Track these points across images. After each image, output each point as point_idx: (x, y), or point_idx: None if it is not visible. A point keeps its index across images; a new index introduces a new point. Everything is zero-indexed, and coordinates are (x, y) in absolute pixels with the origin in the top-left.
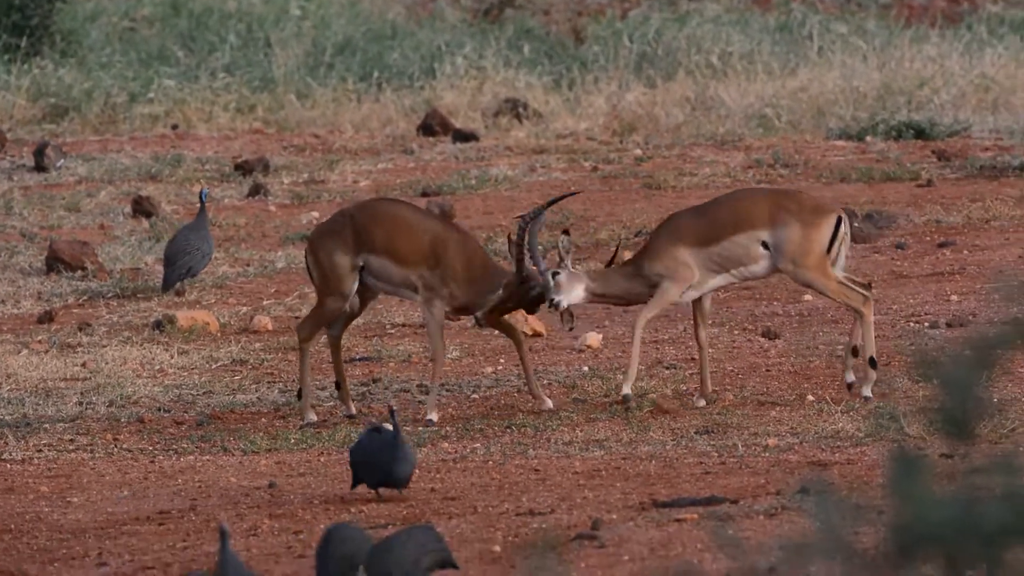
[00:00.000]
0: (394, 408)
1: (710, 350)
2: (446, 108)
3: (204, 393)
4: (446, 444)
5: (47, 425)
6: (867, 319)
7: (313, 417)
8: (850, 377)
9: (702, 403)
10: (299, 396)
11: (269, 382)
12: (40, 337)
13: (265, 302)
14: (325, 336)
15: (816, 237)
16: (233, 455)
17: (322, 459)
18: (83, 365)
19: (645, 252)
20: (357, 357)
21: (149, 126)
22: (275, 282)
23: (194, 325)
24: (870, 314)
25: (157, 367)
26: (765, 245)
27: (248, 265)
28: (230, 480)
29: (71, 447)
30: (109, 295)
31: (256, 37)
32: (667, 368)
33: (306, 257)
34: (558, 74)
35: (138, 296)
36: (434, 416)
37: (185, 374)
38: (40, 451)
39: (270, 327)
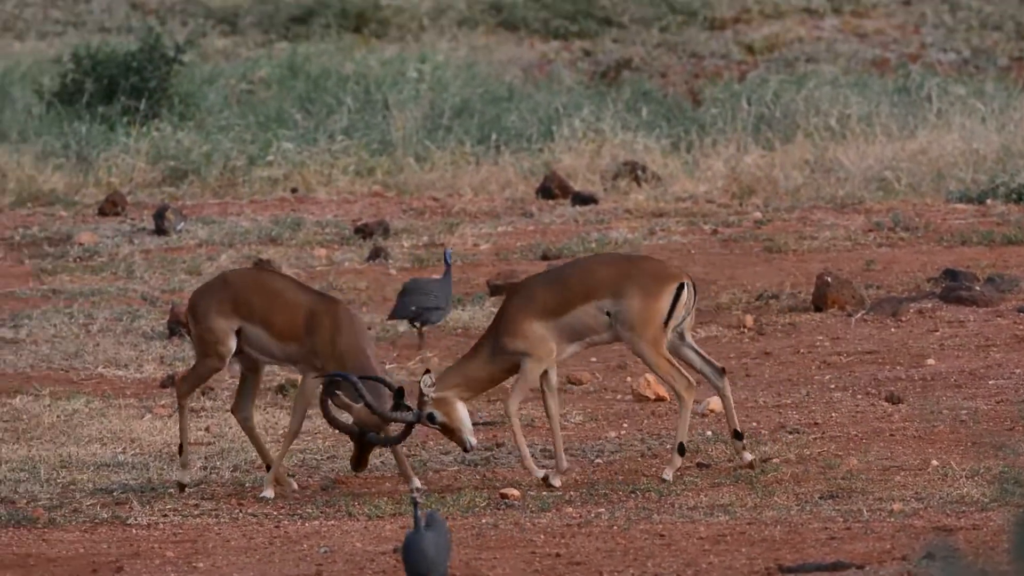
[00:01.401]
0: (416, 499)
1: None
2: (564, 171)
3: (328, 457)
4: (570, 509)
5: (172, 490)
6: (686, 405)
7: (187, 479)
8: (747, 457)
9: (557, 482)
10: (180, 451)
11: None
12: (163, 401)
13: (388, 366)
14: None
15: (655, 307)
16: (358, 520)
17: (448, 523)
18: (207, 430)
19: (500, 328)
20: (480, 421)
21: (268, 189)
22: (397, 347)
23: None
24: (690, 401)
25: (280, 431)
26: (608, 314)
27: (369, 329)
28: (355, 545)
29: (196, 512)
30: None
31: (374, 100)
32: (790, 433)
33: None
34: (676, 136)
35: None
36: (270, 493)
37: (308, 438)
38: (165, 516)
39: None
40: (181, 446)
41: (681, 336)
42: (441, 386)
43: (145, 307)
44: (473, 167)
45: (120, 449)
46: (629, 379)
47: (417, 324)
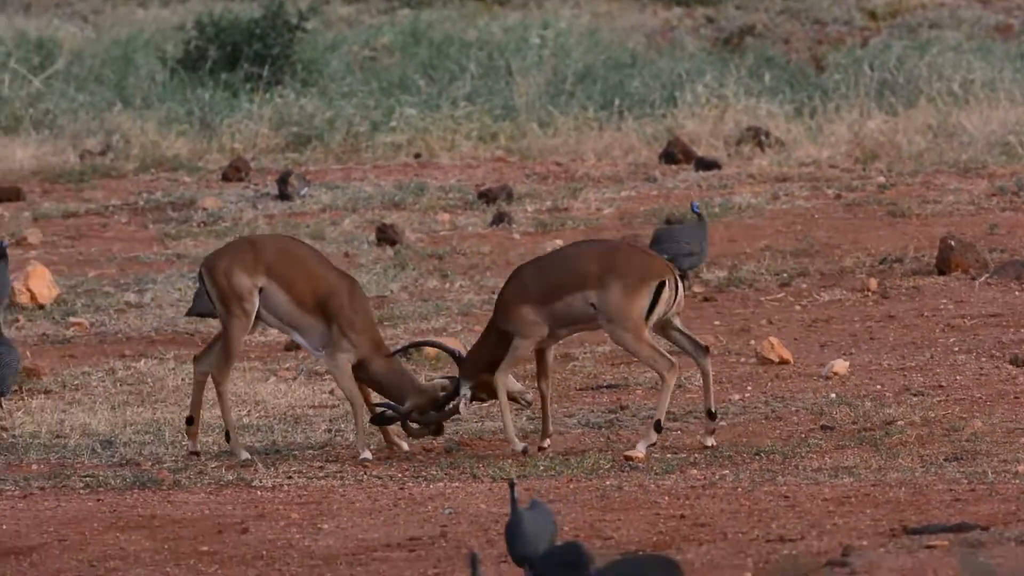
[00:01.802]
0: (514, 481)
1: None
2: (688, 136)
3: (452, 420)
4: (695, 471)
5: (296, 452)
6: (668, 385)
7: (246, 455)
8: (709, 441)
9: (651, 436)
10: (226, 438)
11: (517, 409)
12: (288, 365)
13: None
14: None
15: (635, 303)
16: (482, 482)
17: (571, 486)
18: (331, 392)
19: (497, 311)
20: (604, 384)
21: (392, 155)
22: None
23: (440, 353)
24: (672, 381)
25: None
26: (592, 305)
27: (493, 293)
28: (480, 507)
29: (321, 474)
30: None
31: (497, 65)
32: (914, 395)
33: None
34: (799, 102)
35: (384, 324)
36: (368, 455)
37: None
38: (290, 478)
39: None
40: (227, 433)
41: (668, 322)
42: (468, 379)
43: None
44: (596, 132)
45: (245, 412)
46: (753, 342)
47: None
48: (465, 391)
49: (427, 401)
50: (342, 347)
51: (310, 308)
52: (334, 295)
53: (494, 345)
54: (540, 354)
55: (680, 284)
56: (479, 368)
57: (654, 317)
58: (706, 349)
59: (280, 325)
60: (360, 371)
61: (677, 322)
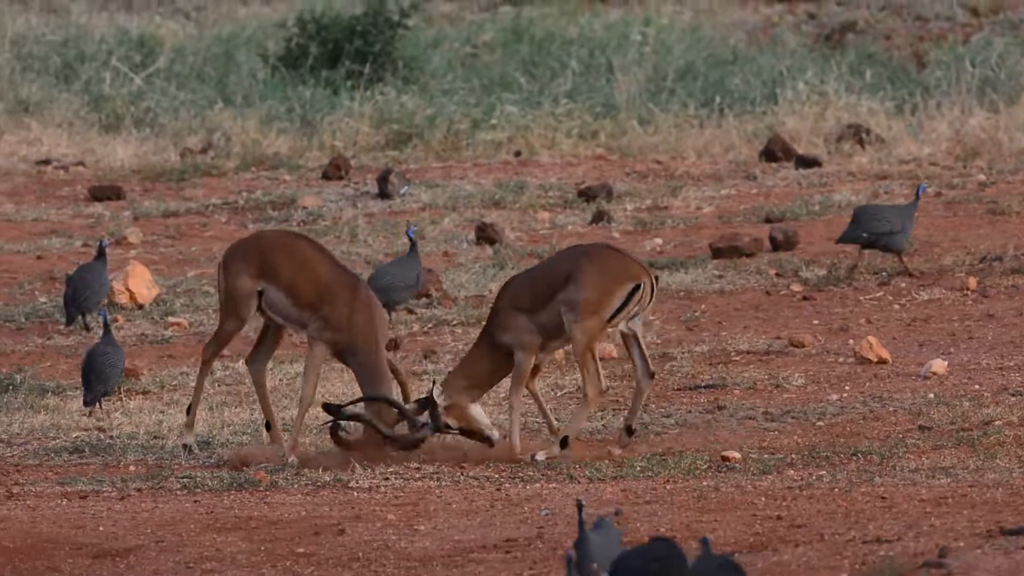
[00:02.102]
0: (582, 503)
1: None
2: (788, 133)
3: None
4: (792, 471)
5: (393, 453)
6: (588, 406)
7: (192, 440)
8: (616, 451)
9: (553, 450)
10: (188, 410)
11: (615, 409)
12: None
13: (610, 329)
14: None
15: (605, 301)
16: (579, 482)
17: (668, 486)
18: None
19: (492, 321)
20: (702, 384)
21: (492, 152)
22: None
23: None
24: (594, 405)
25: (502, 395)
26: (565, 304)
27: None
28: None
29: (417, 475)
30: (454, 322)
31: (598, 63)
32: (1013, 395)
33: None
34: (900, 99)
35: (482, 323)
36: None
37: (530, 402)
38: (387, 479)
39: (615, 354)
40: (190, 407)
41: (633, 333)
42: (449, 393)
43: (368, 270)
44: (696, 130)
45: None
46: (851, 342)
47: (868, 249)
48: (441, 409)
49: (388, 417)
50: (324, 339)
51: (307, 306)
52: (330, 294)
53: (484, 359)
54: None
55: (655, 289)
56: (464, 385)
57: (621, 316)
58: (652, 375)
59: (282, 322)
60: (350, 364)
61: (640, 336)
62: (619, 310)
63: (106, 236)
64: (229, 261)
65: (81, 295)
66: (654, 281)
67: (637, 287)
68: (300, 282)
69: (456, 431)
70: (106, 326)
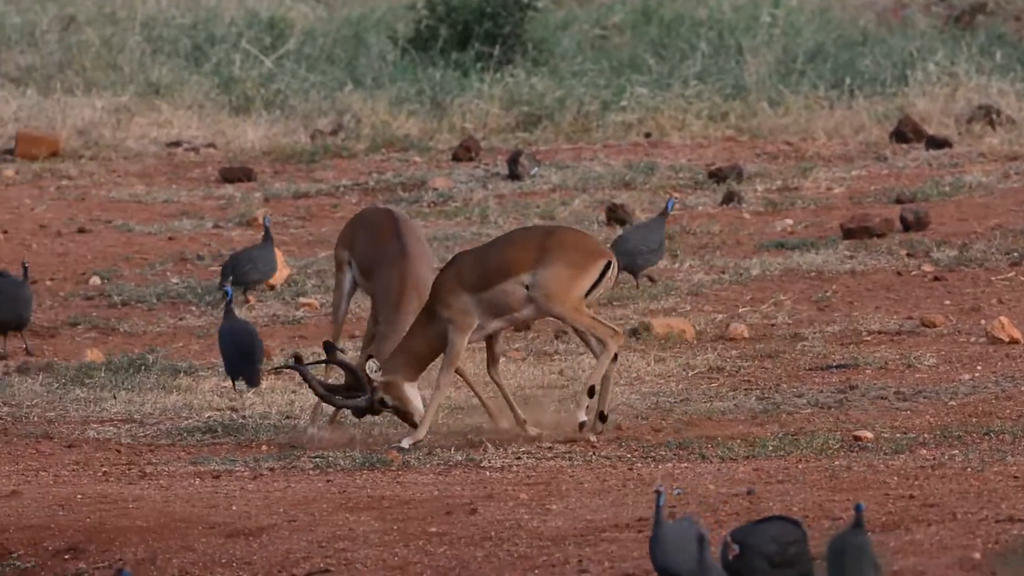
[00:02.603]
0: (660, 489)
1: None
2: (918, 115)
3: (681, 400)
4: (924, 451)
5: (525, 432)
6: (609, 351)
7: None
8: (581, 416)
9: (534, 431)
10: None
11: (746, 389)
12: (517, 345)
13: (740, 309)
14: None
15: (580, 279)
16: (711, 462)
17: (800, 466)
18: (560, 373)
19: (432, 295)
20: (834, 364)
21: (622, 134)
22: (750, 289)
23: (670, 333)
24: (615, 347)
25: (634, 375)
26: (527, 287)
27: (723, 272)
28: (708, 487)
29: (550, 455)
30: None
31: (727, 44)
32: None
33: None
34: None
35: (614, 304)
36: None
37: (662, 382)
38: (519, 458)
39: (746, 334)
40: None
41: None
42: (387, 369)
43: None
44: (826, 111)
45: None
46: (983, 322)
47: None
48: (377, 383)
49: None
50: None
51: (366, 276)
52: (382, 264)
53: (422, 337)
54: (488, 342)
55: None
56: (402, 361)
57: (594, 295)
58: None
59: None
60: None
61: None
62: (592, 287)
63: (269, 213)
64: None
65: (242, 268)
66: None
67: (608, 265)
68: (365, 254)
69: (390, 409)
70: (229, 305)
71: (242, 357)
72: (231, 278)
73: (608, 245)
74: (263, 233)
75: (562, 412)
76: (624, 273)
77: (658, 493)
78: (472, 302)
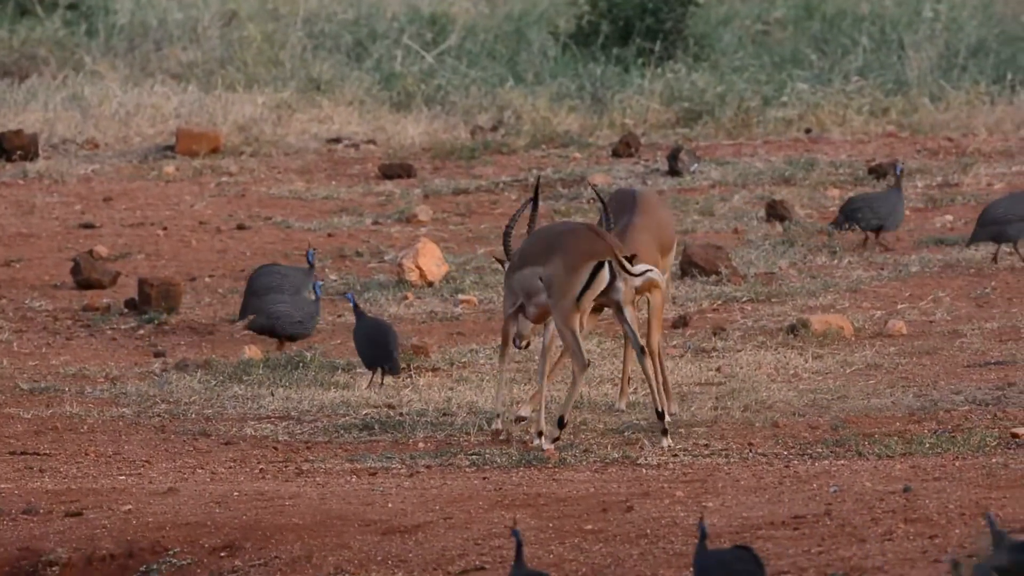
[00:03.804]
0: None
1: None
2: None
3: (838, 397)
4: None
5: (682, 429)
6: (578, 383)
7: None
8: (664, 443)
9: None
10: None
11: (904, 386)
12: (675, 342)
13: (899, 306)
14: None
15: (571, 280)
16: (868, 459)
17: (957, 463)
18: (718, 370)
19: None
20: (992, 361)
21: (782, 129)
22: (909, 285)
23: (828, 329)
24: (581, 379)
25: (791, 371)
26: (541, 279)
27: (882, 269)
28: (865, 484)
29: (706, 452)
30: (743, 299)
31: (889, 39)
32: None
33: None
34: None
35: (772, 300)
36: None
37: (819, 378)
38: (675, 455)
39: (904, 331)
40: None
41: (618, 307)
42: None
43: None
44: (988, 106)
45: (631, 389)
46: None
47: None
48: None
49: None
50: None
51: None
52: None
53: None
54: (544, 327)
55: (627, 268)
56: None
57: (588, 297)
58: (642, 349)
59: None
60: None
61: (627, 312)
62: (585, 289)
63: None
64: None
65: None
66: (621, 260)
67: (600, 265)
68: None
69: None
70: (356, 308)
71: (377, 348)
72: (347, 294)
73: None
74: (307, 264)
75: (719, 410)
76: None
77: (701, 524)
78: (511, 280)
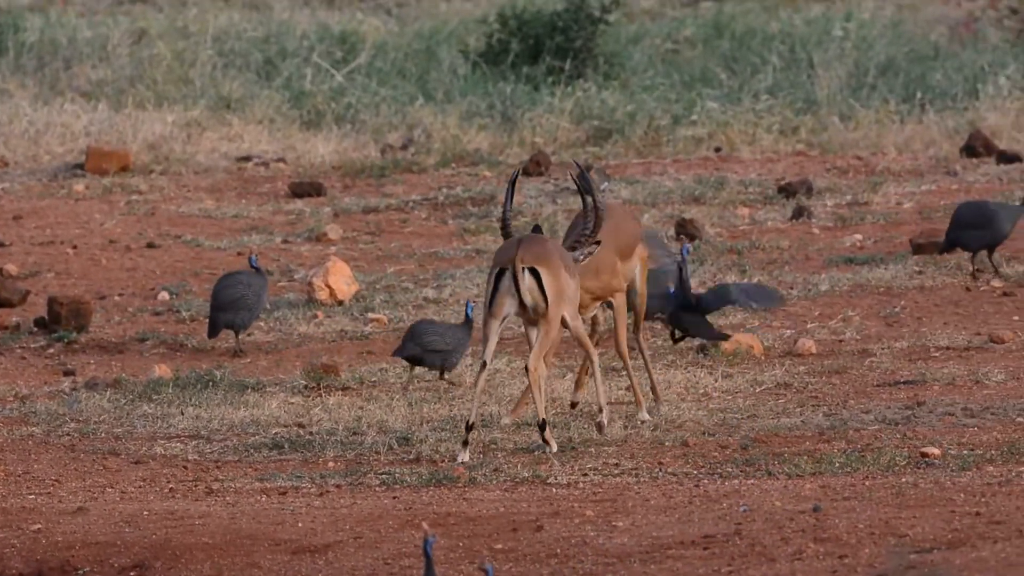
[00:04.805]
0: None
1: None
2: (989, 129)
3: (748, 417)
4: (991, 468)
5: (592, 449)
6: (479, 386)
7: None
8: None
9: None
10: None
11: (813, 405)
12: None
13: (809, 325)
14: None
15: (487, 286)
16: (777, 479)
17: (867, 483)
18: (627, 389)
19: None
20: (901, 380)
21: (692, 148)
22: (819, 305)
23: (738, 349)
24: (482, 384)
25: (701, 391)
26: None
27: (792, 288)
28: (775, 504)
29: (616, 471)
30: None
31: (798, 58)
32: None
33: None
34: None
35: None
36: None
37: (729, 398)
38: (585, 475)
39: (814, 350)
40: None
41: (530, 315)
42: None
43: None
44: (897, 125)
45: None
46: None
47: None
48: None
49: None
50: None
51: None
52: None
53: None
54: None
55: (532, 279)
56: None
57: (497, 302)
58: (525, 368)
59: None
60: None
61: (536, 331)
62: (492, 295)
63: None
64: None
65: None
66: (517, 270)
67: (501, 272)
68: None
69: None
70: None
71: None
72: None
73: None
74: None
75: (629, 429)
76: None
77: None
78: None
